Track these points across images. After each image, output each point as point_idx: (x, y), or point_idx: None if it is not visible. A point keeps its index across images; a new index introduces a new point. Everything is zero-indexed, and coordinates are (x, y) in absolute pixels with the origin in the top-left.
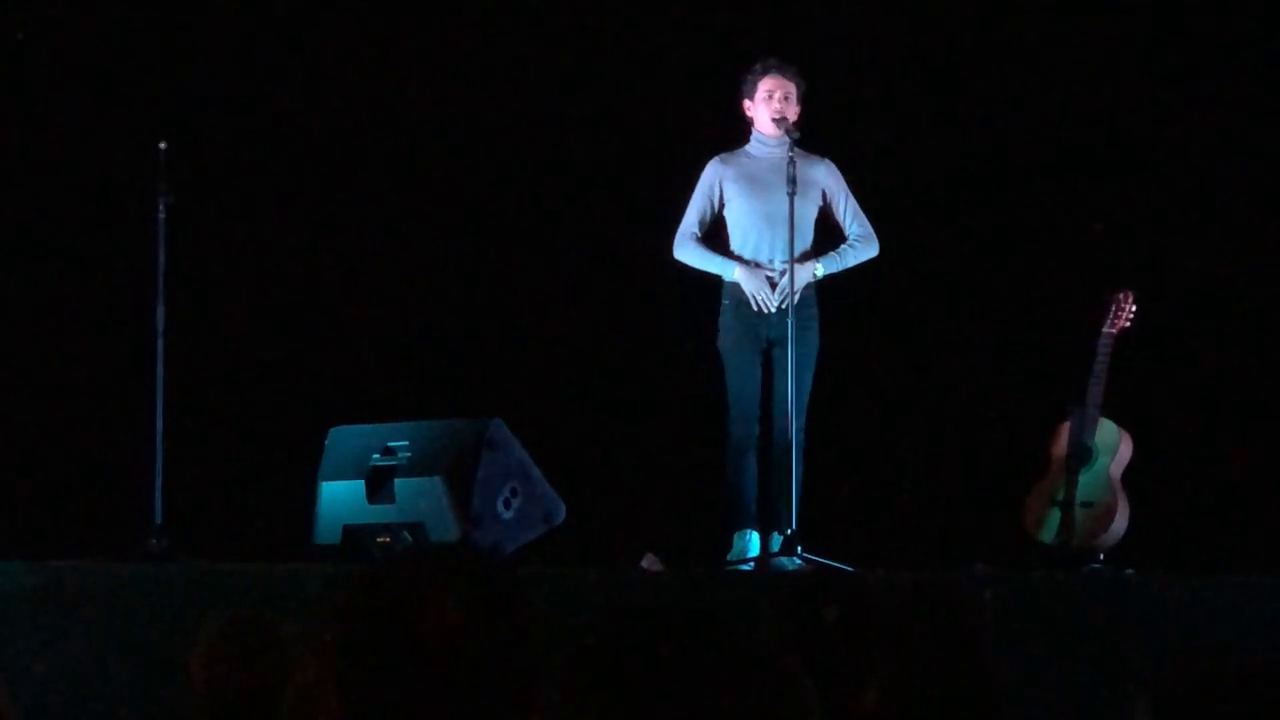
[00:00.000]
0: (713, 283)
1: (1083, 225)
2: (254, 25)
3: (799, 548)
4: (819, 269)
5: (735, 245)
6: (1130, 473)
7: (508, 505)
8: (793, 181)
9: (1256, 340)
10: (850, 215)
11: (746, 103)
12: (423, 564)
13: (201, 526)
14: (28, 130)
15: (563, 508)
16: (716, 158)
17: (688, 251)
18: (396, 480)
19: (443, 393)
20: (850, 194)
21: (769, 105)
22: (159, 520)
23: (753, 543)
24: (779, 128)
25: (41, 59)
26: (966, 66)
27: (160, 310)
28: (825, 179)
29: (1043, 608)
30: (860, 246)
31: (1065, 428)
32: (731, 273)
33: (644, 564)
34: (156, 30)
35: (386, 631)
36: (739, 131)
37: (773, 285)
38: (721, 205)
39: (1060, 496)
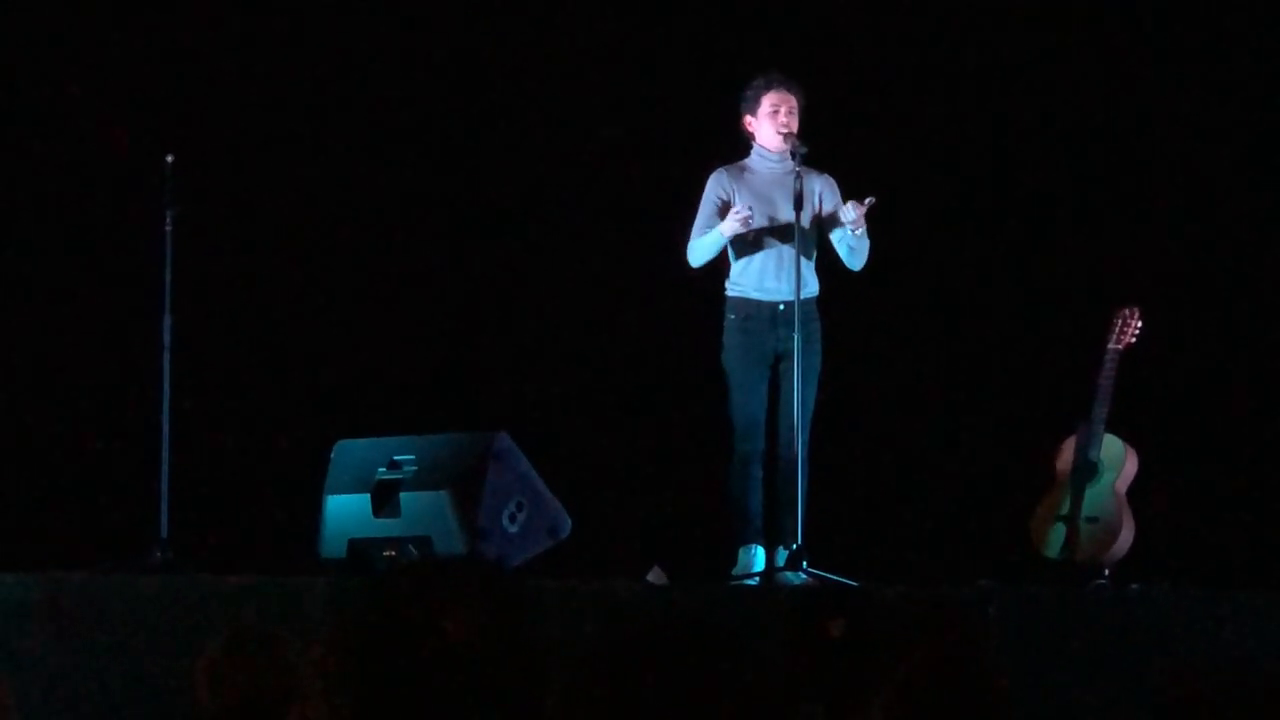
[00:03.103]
0: (718, 297)
1: (1089, 243)
2: (260, 37)
3: (804, 562)
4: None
5: (740, 260)
6: (1135, 488)
7: (513, 519)
8: (798, 195)
9: (1261, 356)
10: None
11: (748, 118)
12: (430, 576)
13: (207, 539)
14: (35, 143)
15: (568, 521)
16: (720, 169)
17: (695, 247)
18: (402, 494)
19: (448, 406)
20: None
21: (774, 120)
22: (164, 533)
23: (758, 557)
24: (786, 142)
25: (49, 72)
26: (972, 79)
27: (167, 322)
28: (825, 192)
29: (1048, 623)
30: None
31: (1070, 443)
32: (722, 232)
33: (650, 578)
34: (163, 43)
35: (393, 643)
36: (738, 144)
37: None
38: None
39: (1065, 512)
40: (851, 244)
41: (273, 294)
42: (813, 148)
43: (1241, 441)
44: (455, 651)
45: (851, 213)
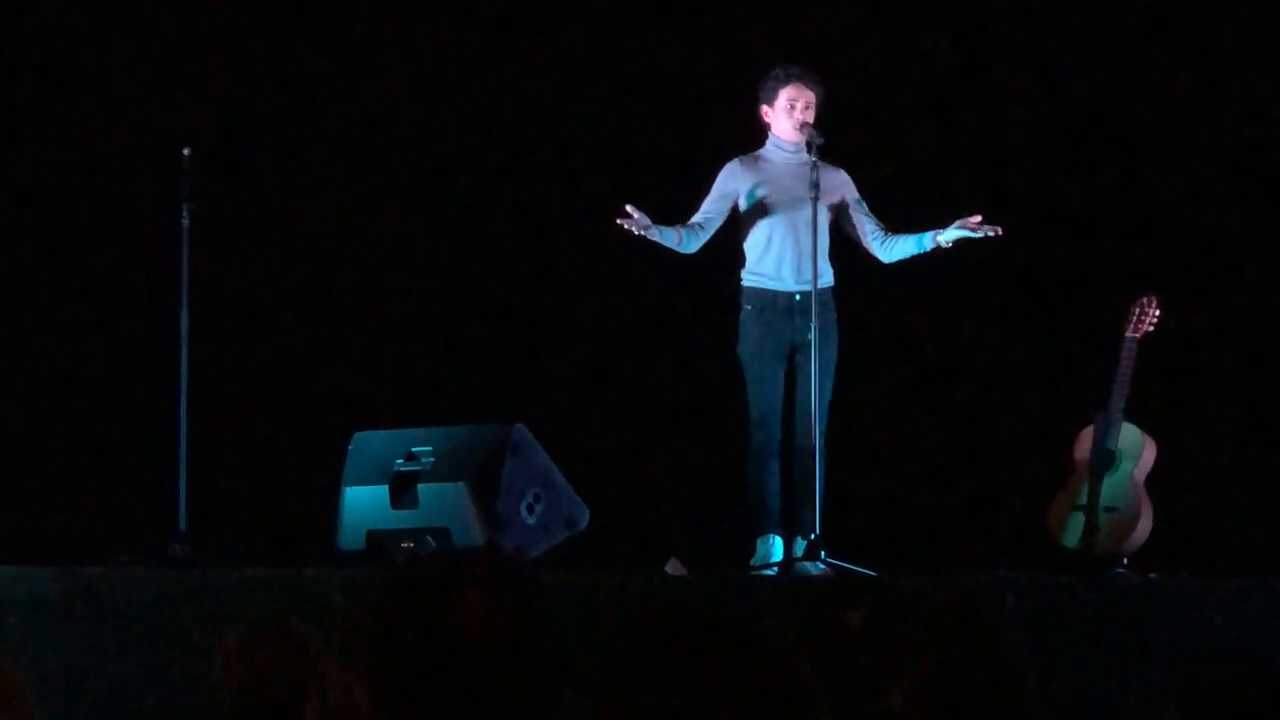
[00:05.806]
0: (734, 288)
1: (1107, 230)
2: (278, 32)
3: (822, 552)
4: (942, 237)
5: (756, 250)
6: (1153, 477)
7: (531, 510)
8: (815, 186)
9: None
10: (870, 214)
11: (765, 109)
12: (448, 568)
13: (225, 532)
14: (52, 137)
15: (586, 513)
16: (735, 160)
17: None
18: (420, 485)
19: (466, 398)
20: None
21: (790, 116)
22: (183, 526)
23: (776, 548)
24: (802, 134)
25: (65, 66)
26: (988, 68)
27: (184, 316)
28: (842, 186)
29: (1066, 613)
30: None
31: (1088, 432)
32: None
33: (668, 569)
34: (180, 36)
35: (410, 635)
36: (756, 132)
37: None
38: (736, 206)
39: (1083, 501)
40: (917, 250)
41: (290, 287)
42: (830, 140)
43: (1260, 429)
44: (473, 643)
45: (955, 233)
